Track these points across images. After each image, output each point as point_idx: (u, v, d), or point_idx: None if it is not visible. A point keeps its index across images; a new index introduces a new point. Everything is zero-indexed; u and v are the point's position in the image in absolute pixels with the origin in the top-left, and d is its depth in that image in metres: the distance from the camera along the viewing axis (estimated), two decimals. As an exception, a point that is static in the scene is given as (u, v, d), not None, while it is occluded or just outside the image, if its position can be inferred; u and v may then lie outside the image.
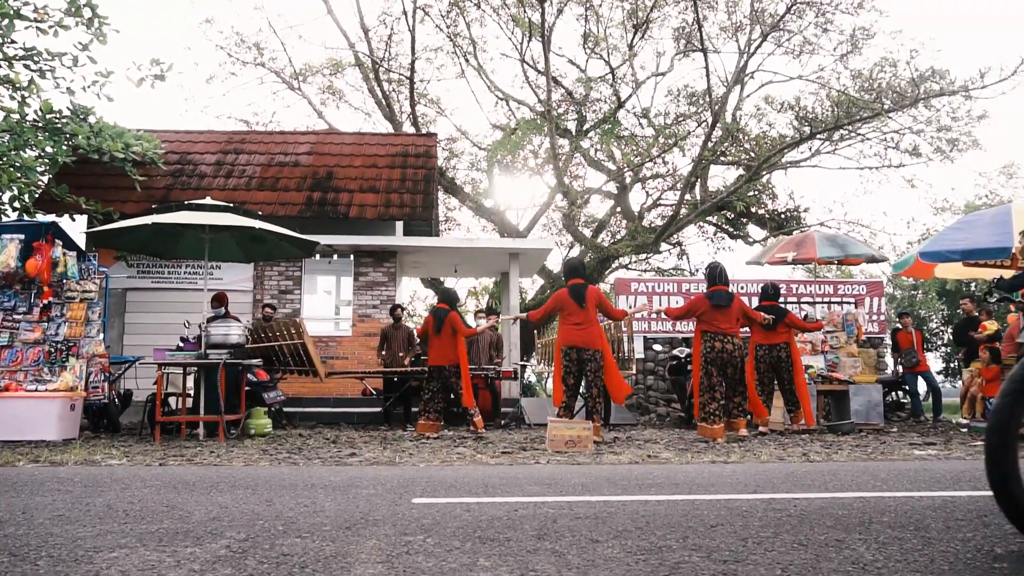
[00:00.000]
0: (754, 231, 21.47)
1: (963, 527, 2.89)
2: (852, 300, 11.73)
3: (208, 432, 7.68)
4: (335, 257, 12.27)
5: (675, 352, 10.83)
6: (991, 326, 10.43)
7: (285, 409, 9.73)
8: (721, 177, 21.85)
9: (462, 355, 8.26)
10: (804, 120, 18.83)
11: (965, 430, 9.06)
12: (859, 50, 18.46)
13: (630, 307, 11.09)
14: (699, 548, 2.56)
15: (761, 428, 8.29)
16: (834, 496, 3.81)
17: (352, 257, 12.26)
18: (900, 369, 11.59)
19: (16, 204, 10.83)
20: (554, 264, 21.76)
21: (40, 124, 10.49)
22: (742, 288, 11.41)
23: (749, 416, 8.44)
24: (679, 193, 18.87)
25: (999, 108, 50.05)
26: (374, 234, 12.56)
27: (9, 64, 10.31)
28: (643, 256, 21.01)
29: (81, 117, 10.76)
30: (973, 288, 17.83)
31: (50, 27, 10.44)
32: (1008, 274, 8.41)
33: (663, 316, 10.52)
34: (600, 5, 19.56)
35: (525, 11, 18.31)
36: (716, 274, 7.98)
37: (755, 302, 9.21)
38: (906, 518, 3.08)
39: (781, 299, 9.30)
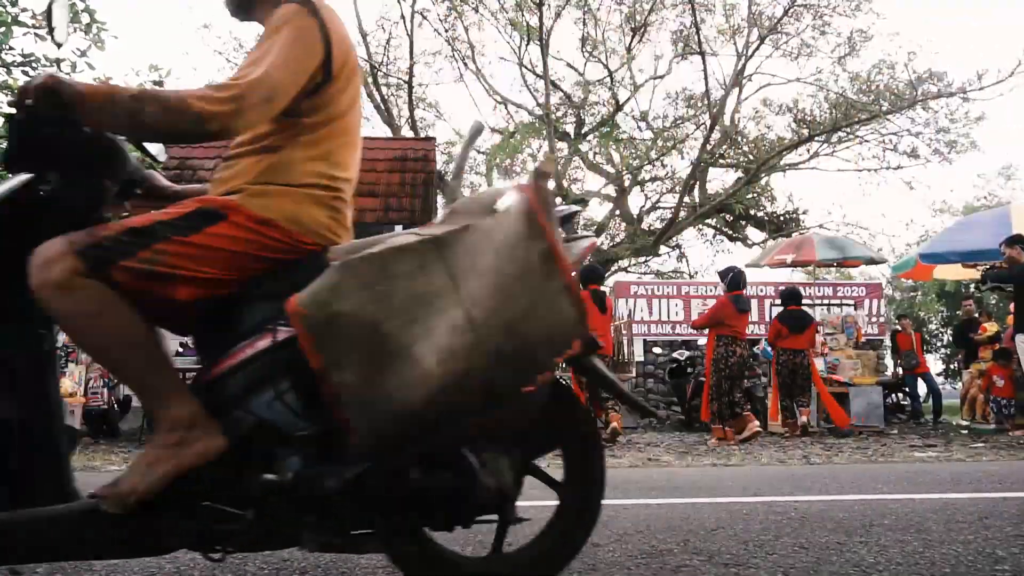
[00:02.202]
0: (753, 233, 21.50)
1: (964, 529, 2.88)
2: (851, 302, 11.72)
3: (208, 437, 7.66)
4: (334, 261, 12.26)
5: (674, 355, 10.83)
6: (991, 327, 10.43)
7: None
8: (720, 180, 21.88)
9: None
10: (802, 122, 18.85)
11: (965, 432, 9.06)
12: (857, 52, 18.52)
13: (629, 311, 11.18)
14: (700, 551, 2.56)
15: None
16: (835, 499, 3.81)
17: (351, 261, 12.26)
18: (900, 371, 11.58)
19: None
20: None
21: (39, 130, 10.50)
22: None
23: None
24: (678, 196, 18.88)
25: (997, 110, 50.27)
26: (373, 238, 12.55)
27: (7, 70, 10.33)
28: (642, 259, 21.00)
29: (80, 123, 10.76)
30: (972, 289, 17.83)
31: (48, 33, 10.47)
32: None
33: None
34: (598, 9, 19.59)
35: (523, 15, 18.34)
36: (741, 279, 8.19)
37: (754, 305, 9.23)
38: (907, 520, 3.08)
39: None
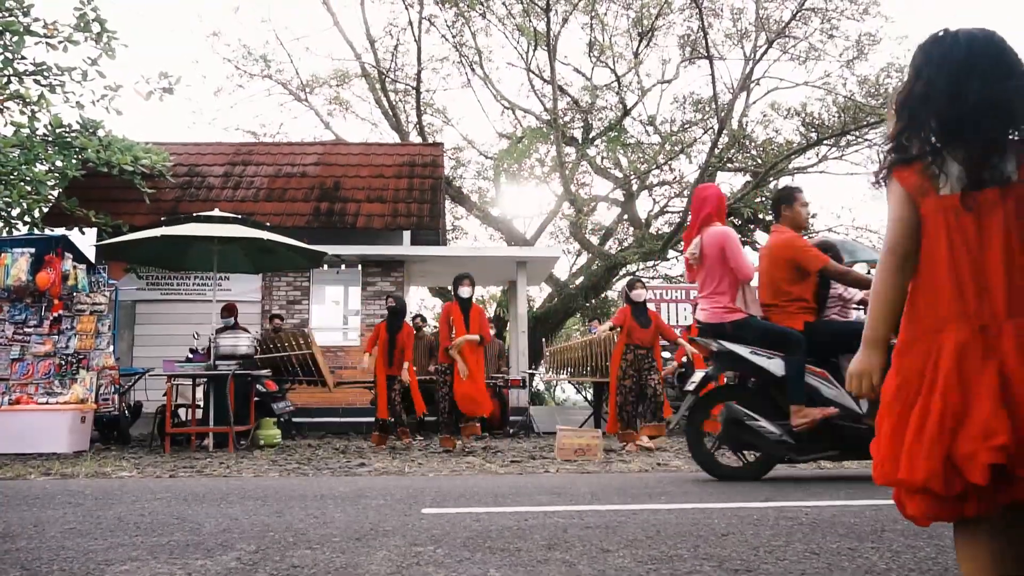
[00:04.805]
0: (761, 237, 21.42)
1: (977, 535, 2.86)
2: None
3: (218, 443, 7.69)
4: (343, 267, 12.29)
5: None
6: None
7: (294, 419, 9.74)
8: (728, 184, 21.85)
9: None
10: (811, 126, 18.79)
11: (977, 436, 8.98)
12: (865, 56, 18.46)
13: None
14: (710, 557, 2.55)
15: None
16: (846, 504, 3.79)
17: (360, 267, 12.29)
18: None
19: (26, 218, 10.92)
20: (561, 272, 21.76)
21: (50, 138, 10.57)
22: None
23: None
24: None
25: (1007, 111, 49.72)
26: (382, 244, 12.58)
27: (19, 79, 10.40)
28: (650, 263, 20.97)
29: (90, 131, 10.83)
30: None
31: (59, 42, 10.53)
32: None
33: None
34: (605, 14, 19.62)
35: (530, 20, 18.38)
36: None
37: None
38: (919, 526, 3.05)
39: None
